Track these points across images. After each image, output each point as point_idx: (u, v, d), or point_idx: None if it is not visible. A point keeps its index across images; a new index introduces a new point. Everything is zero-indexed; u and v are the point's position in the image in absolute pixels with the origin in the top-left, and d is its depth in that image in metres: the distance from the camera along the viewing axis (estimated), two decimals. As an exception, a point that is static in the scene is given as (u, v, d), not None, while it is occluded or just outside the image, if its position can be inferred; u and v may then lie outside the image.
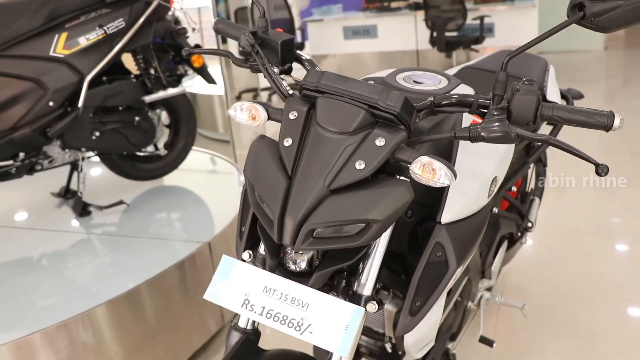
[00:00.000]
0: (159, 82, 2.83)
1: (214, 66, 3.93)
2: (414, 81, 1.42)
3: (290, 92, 1.23)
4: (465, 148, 1.29)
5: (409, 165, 1.04)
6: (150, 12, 2.64)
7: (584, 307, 2.48)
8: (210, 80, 3.11)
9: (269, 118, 1.19)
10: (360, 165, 1.02)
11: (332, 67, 8.16)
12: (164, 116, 3.00)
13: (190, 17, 2.91)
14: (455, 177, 1.02)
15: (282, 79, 1.26)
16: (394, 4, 7.99)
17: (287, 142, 1.08)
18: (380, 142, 1.04)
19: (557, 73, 2.15)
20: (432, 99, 1.12)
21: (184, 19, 2.99)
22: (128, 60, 2.81)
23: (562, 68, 7.55)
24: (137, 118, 2.74)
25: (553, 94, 1.97)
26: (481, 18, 6.57)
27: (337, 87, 1.10)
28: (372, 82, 1.15)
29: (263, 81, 5.49)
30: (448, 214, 1.21)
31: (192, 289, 2.27)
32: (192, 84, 3.01)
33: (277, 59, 1.29)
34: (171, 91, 2.84)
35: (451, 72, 1.91)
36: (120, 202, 2.74)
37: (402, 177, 1.11)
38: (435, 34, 6.79)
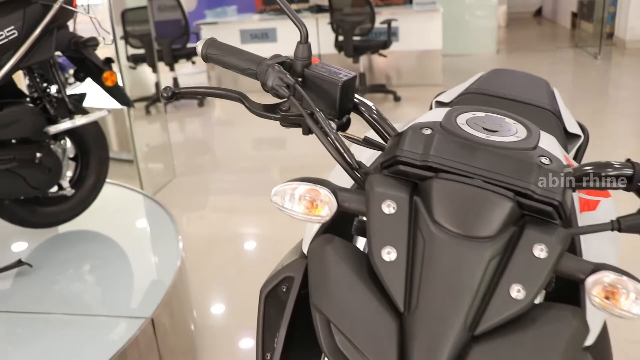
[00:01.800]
0: (63, 107, 2.23)
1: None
2: (484, 128, 1.03)
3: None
4: (586, 235, 0.95)
5: (577, 281, 0.68)
6: (51, 17, 2.03)
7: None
8: (124, 101, 2.56)
9: (339, 207, 0.77)
10: (518, 292, 0.64)
11: (229, 73, 7.63)
12: (69, 147, 2.40)
13: (99, 24, 2.33)
14: None
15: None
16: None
17: (389, 254, 0.68)
18: (540, 252, 0.66)
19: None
20: (570, 170, 0.76)
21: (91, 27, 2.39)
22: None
23: (460, 68, 7.77)
24: (38, 154, 2.12)
25: (570, 124, 1.65)
26: (389, 22, 6.37)
27: (461, 163, 0.71)
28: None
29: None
30: (592, 335, 0.85)
31: (135, 382, 1.75)
32: (109, 109, 2.42)
33: (332, 109, 0.86)
34: (82, 120, 2.24)
35: (448, 98, 1.55)
36: (20, 263, 2.10)
37: (554, 302, 0.75)
38: (341, 38, 6.51)
